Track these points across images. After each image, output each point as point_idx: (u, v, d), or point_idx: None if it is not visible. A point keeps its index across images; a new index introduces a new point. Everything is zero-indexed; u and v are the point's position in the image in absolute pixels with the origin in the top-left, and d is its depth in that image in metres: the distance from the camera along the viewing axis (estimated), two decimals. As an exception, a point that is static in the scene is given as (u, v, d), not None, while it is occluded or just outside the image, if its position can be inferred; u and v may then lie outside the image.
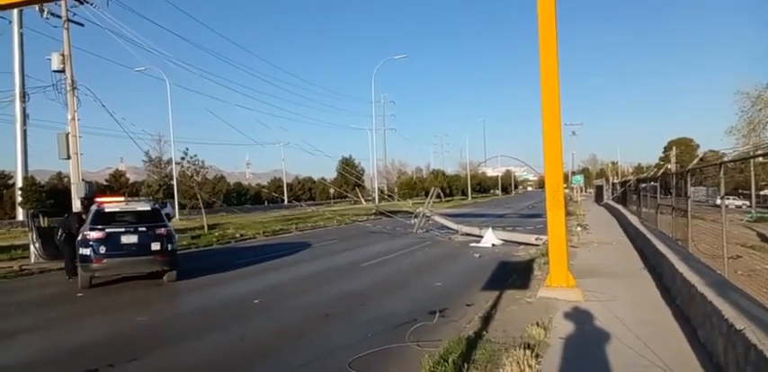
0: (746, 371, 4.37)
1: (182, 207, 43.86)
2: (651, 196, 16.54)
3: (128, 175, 63.09)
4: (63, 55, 19.20)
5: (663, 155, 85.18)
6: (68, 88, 19.36)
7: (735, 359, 4.70)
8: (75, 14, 19.66)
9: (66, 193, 34.67)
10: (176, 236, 13.41)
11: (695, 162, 10.46)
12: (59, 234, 12.70)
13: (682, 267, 8.10)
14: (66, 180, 48.23)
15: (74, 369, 6.41)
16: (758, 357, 4.09)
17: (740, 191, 34.10)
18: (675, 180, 12.11)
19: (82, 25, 20.19)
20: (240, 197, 71.59)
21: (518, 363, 5.27)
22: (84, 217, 13.04)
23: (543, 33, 9.22)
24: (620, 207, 29.79)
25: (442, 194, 50.05)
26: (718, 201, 8.32)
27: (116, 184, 53.43)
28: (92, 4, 20.24)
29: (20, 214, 35.64)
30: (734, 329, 4.75)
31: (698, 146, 79.82)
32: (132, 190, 50.27)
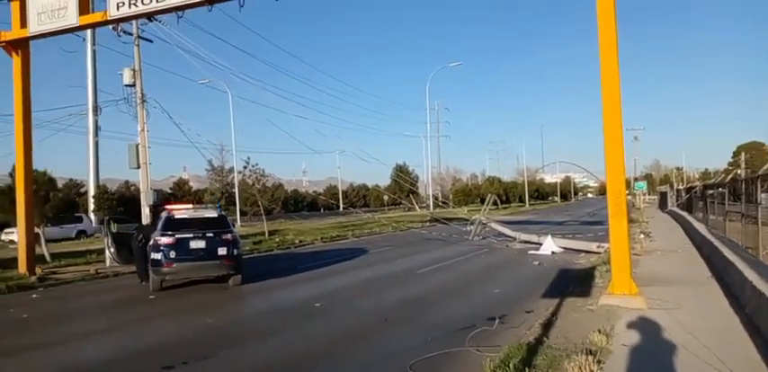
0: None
1: (243, 214, 45.12)
2: (719, 203, 15.95)
3: (191, 183, 65.55)
4: (134, 70, 20.23)
5: (732, 161, 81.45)
6: (138, 101, 20.37)
7: (808, 369, 4.58)
8: (143, 31, 20.76)
9: (134, 201, 36.43)
10: (241, 242, 13.92)
11: (766, 167, 10.09)
12: (140, 239, 13.40)
13: (752, 275, 7.85)
14: (132, 188, 50.63)
15: (151, 366, 6.81)
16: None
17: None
18: (745, 186, 11.70)
19: (151, 41, 21.27)
20: (297, 204, 73.04)
21: (580, 368, 5.28)
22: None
23: (603, 36, 9.20)
24: (685, 214, 28.76)
25: (498, 201, 49.54)
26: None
27: (180, 192, 55.62)
28: (160, 22, 21.31)
29: (92, 221, 37.61)
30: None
31: (771, 149, 75.87)
32: (195, 198, 52.19)
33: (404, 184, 67.91)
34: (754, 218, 9.79)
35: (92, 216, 35.02)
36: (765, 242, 8.96)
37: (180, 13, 12.42)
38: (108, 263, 16.49)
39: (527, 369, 5.61)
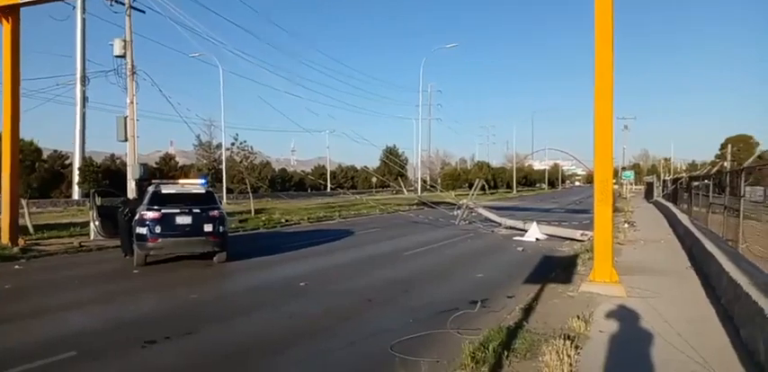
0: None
1: (229, 191, 44.96)
2: (703, 194, 16.15)
3: (177, 159, 65.04)
4: (124, 41, 19.88)
5: (719, 153, 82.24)
6: (128, 73, 20.07)
7: (777, 359, 4.71)
8: (135, 1, 20.35)
9: (119, 174, 36.12)
10: (228, 219, 13.90)
11: (751, 160, 10.21)
12: (125, 213, 13.33)
13: (729, 266, 8.00)
14: (118, 161, 50.14)
15: (134, 339, 6.85)
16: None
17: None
18: (730, 178, 11.83)
19: (143, 12, 20.87)
20: (284, 183, 72.81)
21: (557, 352, 5.38)
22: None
23: (599, 25, 9.19)
24: (670, 204, 29.10)
25: (486, 186, 49.73)
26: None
27: (166, 167, 55.19)
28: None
29: (76, 193, 37.35)
30: (778, 329, 4.74)
31: (758, 143, 76.69)
32: (182, 173, 51.86)
33: (393, 166, 67.88)
34: (736, 211, 9.92)
35: (75, 188, 34.79)
36: (747, 235, 9.10)
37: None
38: (92, 236, 16.43)
39: (506, 352, 5.71)
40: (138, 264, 12.46)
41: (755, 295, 5.90)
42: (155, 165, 54.15)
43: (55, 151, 47.11)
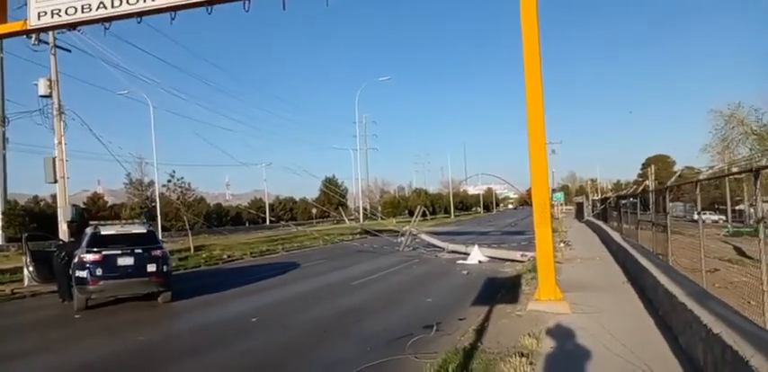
0: (723, 371, 4.77)
1: (165, 229, 43.59)
2: (631, 212, 17.10)
3: (106, 198, 62.62)
4: (50, 80, 19.37)
5: (641, 172, 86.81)
6: (56, 113, 19.50)
7: (713, 361, 5.11)
8: (57, 39, 19.85)
9: (45, 217, 34.45)
10: (171, 258, 13.58)
11: (673, 179, 11.00)
12: (62, 256, 12.79)
13: (663, 279, 8.55)
14: (42, 203, 47.88)
15: (84, 387, 6.61)
16: (734, 357, 4.50)
17: (716, 206, 35.05)
18: (655, 196, 12.67)
19: (69, 51, 20.44)
20: (221, 218, 71.13)
21: (515, 370, 5.62)
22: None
23: (528, 56, 9.70)
24: (600, 223, 30.43)
25: (427, 212, 50.46)
26: (696, 216, 8.83)
27: (94, 207, 53.00)
28: (80, 31, 20.50)
29: (-1, 238, 35.27)
30: (712, 333, 5.16)
31: (674, 162, 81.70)
32: (111, 213, 49.93)
33: (333, 196, 67.87)
34: (663, 226, 10.63)
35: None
36: (674, 248, 9.76)
37: (107, 24, 12.07)
38: (27, 282, 15.57)
39: (465, 373, 5.91)
40: (78, 309, 11.93)
41: (690, 304, 6.37)
42: (83, 206, 51.86)
43: (-28, 195, 44.45)
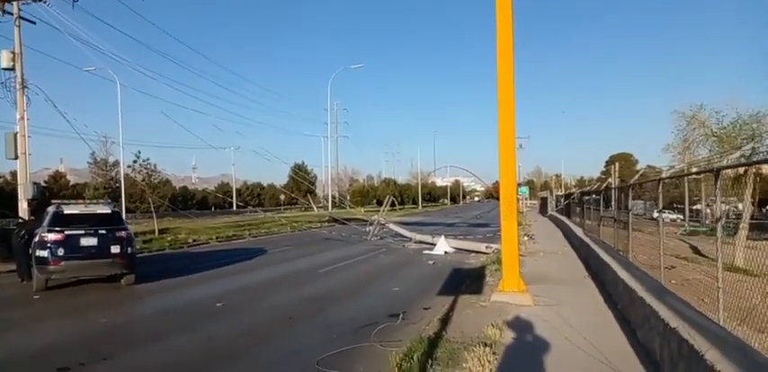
0: (679, 364, 4.99)
1: (129, 211, 42.79)
2: (594, 208, 17.51)
3: (68, 177, 61.12)
4: (13, 53, 18.76)
5: (604, 169, 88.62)
6: (18, 87, 18.92)
7: (669, 354, 5.33)
8: (22, 11, 19.19)
9: (4, 194, 33.48)
10: (135, 240, 13.38)
11: (636, 177, 11.30)
12: (22, 235, 12.48)
13: (624, 274, 8.83)
14: (0, 180, 46.49)
15: (45, 368, 6.52)
16: (690, 351, 4.70)
17: (675, 206, 36.10)
18: (617, 193, 12.99)
19: (34, 23, 19.75)
20: (186, 201, 70.18)
21: (479, 359, 5.76)
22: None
23: (501, 51, 9.82)
24: (564, 218, 31.04)
25: (395, 202, 50.68)
26: (655, 214, 9.11)
27: (56, 186, 51.72)
28: (45, 3, 19.84)
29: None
30: (669, 327, 5.38)
31: (637, 161, 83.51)
32: (74, 193, 48.78)
33: (302, 183, 67.58)
34: (624, 223, 10.93)
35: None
36: (633, 245, 10.06)
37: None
38: (-18, 262, 15.16)
39: (430, 361, 6.03)
40: (38, 289, 11.69)
41: (649, 299, 6.61)
42: (44, 184, 50.54)
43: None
